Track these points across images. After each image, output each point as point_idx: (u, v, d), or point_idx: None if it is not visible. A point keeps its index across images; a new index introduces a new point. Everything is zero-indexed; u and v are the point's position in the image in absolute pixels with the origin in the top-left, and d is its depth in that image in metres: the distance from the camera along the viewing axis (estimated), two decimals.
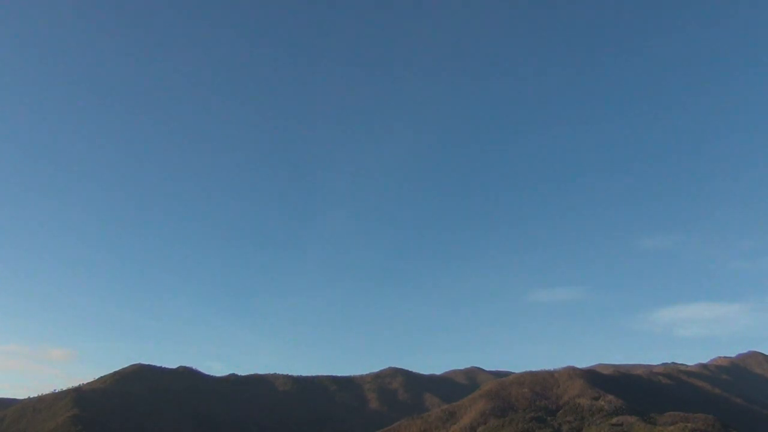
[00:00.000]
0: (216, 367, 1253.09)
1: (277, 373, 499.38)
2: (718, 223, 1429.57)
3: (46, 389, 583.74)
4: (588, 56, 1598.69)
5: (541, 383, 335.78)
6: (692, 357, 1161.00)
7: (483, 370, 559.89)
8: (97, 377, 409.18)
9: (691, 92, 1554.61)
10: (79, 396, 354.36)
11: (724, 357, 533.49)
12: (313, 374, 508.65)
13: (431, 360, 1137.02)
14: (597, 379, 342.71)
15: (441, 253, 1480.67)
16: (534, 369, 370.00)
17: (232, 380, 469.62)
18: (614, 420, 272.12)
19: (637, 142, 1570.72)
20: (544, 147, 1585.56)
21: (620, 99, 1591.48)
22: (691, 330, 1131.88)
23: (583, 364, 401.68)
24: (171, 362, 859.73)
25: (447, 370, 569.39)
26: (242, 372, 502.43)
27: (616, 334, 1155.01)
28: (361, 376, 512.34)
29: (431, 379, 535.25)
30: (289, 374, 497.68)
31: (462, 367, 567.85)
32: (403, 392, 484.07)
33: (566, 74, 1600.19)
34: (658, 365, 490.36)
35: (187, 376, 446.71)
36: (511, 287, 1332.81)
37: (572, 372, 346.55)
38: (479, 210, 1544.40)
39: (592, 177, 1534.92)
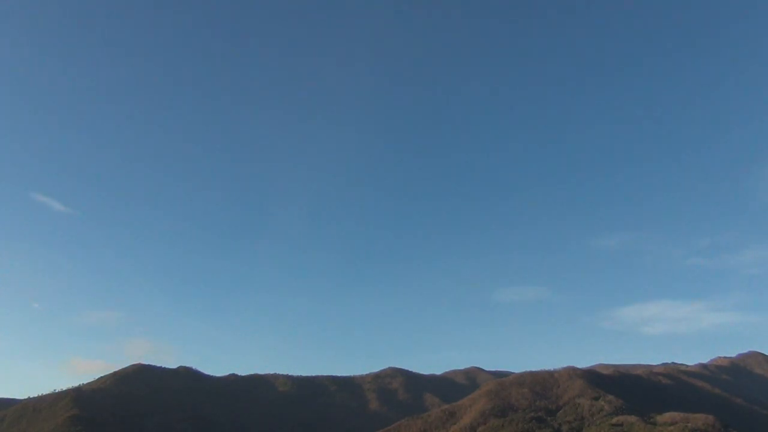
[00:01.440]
0: (216, 367, 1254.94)
1: (277, 373, 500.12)
2: (669, 222, 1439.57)
3: (46, 389, 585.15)
4: (538, 57, 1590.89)
5: (541, 383, 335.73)
6: (692, 357, 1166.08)
7: (483, 370, 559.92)
8: (97, 377, 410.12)
9: (642, 91, 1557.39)
10: (79, 396, 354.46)
11: (724, 357, 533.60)
12: (313, 374, 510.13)
13: (431, 360, 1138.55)
14: (597, 379, 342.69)
15: (404, 254, 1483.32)
16: (534, 369, 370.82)
17: (232, 380, 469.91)
18: (614, 420, 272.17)
19: (586, 145, 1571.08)
20: (503, 151, 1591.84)
21: (572, 101, 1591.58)
22: (657, 328, 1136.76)
23: (582, 364, 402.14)
24: (171, 362, 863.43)
25: (447, 370, 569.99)
26: (242, 372, 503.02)
27: (584, 333, 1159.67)
28: (361, 376, 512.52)
29: (431, 379, 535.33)
30: (289, 374, 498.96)
31: (462, 367, 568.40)
32: (403, 392, 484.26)
33: (525, 78, 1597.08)
34: (658, 365, 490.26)
35: (187, 376, 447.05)
36: (476, 287, 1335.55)
37: (572, 372, 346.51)
38: (440, 212, 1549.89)
39: (545, 178, 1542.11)
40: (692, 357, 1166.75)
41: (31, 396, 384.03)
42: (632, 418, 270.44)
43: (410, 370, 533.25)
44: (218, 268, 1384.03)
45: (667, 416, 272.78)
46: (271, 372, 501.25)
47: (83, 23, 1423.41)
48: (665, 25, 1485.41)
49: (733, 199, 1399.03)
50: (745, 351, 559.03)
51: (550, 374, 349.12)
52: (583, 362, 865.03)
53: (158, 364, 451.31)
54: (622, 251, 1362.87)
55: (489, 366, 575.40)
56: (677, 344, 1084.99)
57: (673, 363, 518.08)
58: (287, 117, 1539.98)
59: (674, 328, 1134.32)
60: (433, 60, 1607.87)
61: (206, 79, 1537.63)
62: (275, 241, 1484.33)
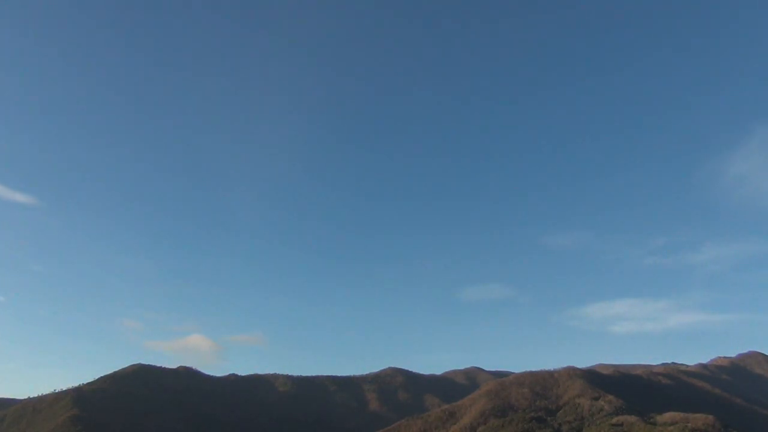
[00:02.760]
0: (216, 367, 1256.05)
1: (277, 373, 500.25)
2: (622, 222, 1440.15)
3: (46, 389, 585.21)
4: (493, 56, 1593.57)
5: (541, 383, 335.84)
6: (692, 357, 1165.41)
7: (483, 370, 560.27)
8: (97, 377, 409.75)
9: (595, 89, 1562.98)
10: (79, 396, 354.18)
11: (724, 357, 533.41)
12: (313, 374, 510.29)
13: (431, 360, 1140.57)
14: (597, 379, 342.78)
15: (368, 254, 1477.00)
16: (534, 369, 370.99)
17: (232, 380, 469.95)
18: (614, 420, 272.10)
19: (540, 142, 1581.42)
20: (460, 153, 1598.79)
21: (525, 98, 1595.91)
22: (625, 327, 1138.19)
23: (582, 364, 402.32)
24: (171, 362, 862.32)
25: (447, 370, 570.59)
26: (242, 372, 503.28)
27: (553, 332, 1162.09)
28: (361, 376, 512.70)
29: (431, 379, 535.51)
30: (289, 374, 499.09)
31: (462, 367, 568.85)
32: (403, 392, 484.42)
33: (483, 81, 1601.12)
34: (658, 365, 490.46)
35: (187, 376, 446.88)
36: (442, 286, 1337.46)
37: (572, 372, 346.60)
38: (400, 213, 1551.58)
39: (498, 176, 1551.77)
40: (692, 357, 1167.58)
41: (31, 396, 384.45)
42: (632, 418, 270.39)
43: (410, 370, 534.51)
44: (217, 268, 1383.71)
45: (667, 416, 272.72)
46: (271, 372, 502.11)
47: None
48: (616, 25, 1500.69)
49: (685, 198, 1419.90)
50: (745, 351, 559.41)
51: (550, 374, 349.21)
52: (563, 362, 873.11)
53: (158, 364, 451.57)
54: (578, 250, 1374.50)
55: (489, 366, 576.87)
56: (646, 343, 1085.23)
57: (673, 363, 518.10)
58: (262, 116, 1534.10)
59: (642, 327, 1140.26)
60: (400, 61, 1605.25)
61: (176, 78, 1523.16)
62: (276, 241, 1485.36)
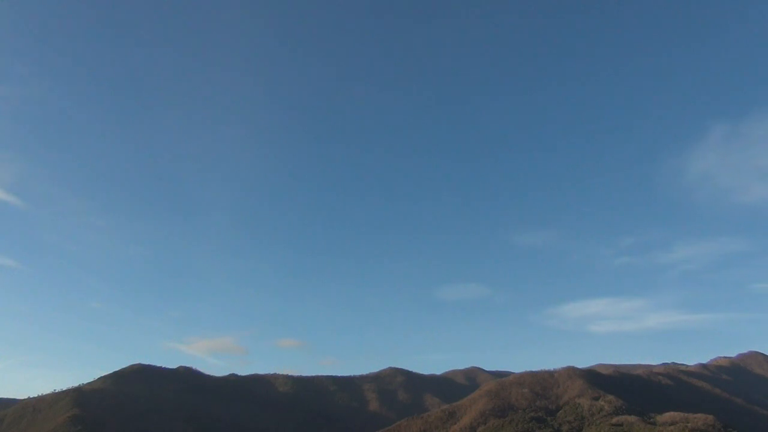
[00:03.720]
0: (216, 367, 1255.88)
1: (277, 373, 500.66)
2: (584, 221, 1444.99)
3: (46, 389, 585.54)
4: (462, 55, 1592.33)
5: (541, 383, 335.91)
6: (692, 357, 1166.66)
7: (483, 370, 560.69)
8: (97, 377, 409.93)
9: (557, 91, 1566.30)
10: (79, 396, 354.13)
11: (724, 357, 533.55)
12: (313, 374, 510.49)
13: (431, 360, 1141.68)
14: (597, 379, 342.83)
15: (343, 252, 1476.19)
16: (534, 369, 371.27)
17: (232, 380, 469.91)
18: (614, 420, 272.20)
19: (503, 143, 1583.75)
20: (428, 151, 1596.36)
21: (490, 101, 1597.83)
22: (604, 327, 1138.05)
23: (582, 364, 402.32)
24: (171, 362, 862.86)
25: (447, 370, 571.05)
26: (242, 372, 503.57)
27: (529, 331, 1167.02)
28: (361, 376, 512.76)
29: (431, 379, 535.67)
30: (289, 374, 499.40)
31: (462, 367, 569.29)
32: (403, 392, 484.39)
33: (447, 79, 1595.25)
34: (658, 365, 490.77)
35: (187, 376, 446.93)
36: (419, 284, 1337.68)
37: (572, 372, 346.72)
38: (372, 213, 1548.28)
39: (466, 176, 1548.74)
40: (692, 357, 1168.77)
41: (31, 396, 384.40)
42: (632, 418, 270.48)
43: (410, 370, 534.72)
44: (219, 268, 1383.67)
45: (667, 416, 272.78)
46: (271, 372, 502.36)
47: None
48: (575, 28, 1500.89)
49: (649, 197, 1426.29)
50: (745, 351, 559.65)
51: (550, 374, 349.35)
52: (547, 362, 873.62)
53: (158, 364, 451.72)
54: (547, 249, 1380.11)
55: (489, 366, 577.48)
56: (626, 343, 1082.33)
57: (673, 363, 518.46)
58: (239, 111, 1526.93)
59: (621, 326, 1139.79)
60: (378, 61, 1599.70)
61: (128, 79, 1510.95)
62: (274, 242, 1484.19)
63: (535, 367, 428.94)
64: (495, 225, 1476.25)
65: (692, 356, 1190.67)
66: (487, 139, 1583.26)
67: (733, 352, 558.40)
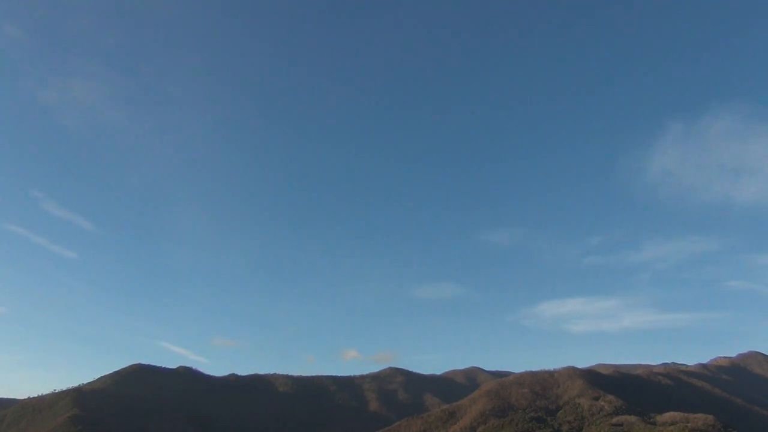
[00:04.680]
0: (216, 367, 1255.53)
1: (277, 373, 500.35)
2: (548, 219, 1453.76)
3: (46, 389, 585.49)
4: (426, 59, 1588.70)
5: (541, 383, 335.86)
6: (692, 357, 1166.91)
7: (483, 370, 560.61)
8: (97, 377, 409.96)
9: (519, 87, 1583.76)
10: (79, 396, 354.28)
11: (724, 357, 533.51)
12: (313, 374, 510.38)
13: (431, 360, 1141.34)
14: (597, 379, 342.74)
15: (319, 251, 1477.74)
16: (534, 369, 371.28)
17: (232, 380, 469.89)
18: (614, 420, 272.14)
19: (463, 141, 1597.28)
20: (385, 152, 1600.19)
21: (450, 101, 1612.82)
22: (581, 326, 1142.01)
23: (581, 364, 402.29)
24: (171, 362, 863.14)
25: (447, 370, 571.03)
26: (242, 372, 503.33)
27: (507, 330, 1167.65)
28: (361, 376, 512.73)
29: (431, 379, 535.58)
30: (289, 374, 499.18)
31: (462, 367, 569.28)
32: (403, 392, 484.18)
33: (413, 78, 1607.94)
34: (658, 365, 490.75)
35: (187, 376, 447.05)
36: (394, 283, 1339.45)
37: (572, 372, 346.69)
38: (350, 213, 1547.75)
39: (432, 175, 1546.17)
40: (692, 357, 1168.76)
41: (31, 396, 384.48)
42: (632, 418, 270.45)
43: (410, 370, 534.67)
44: (220, 269, 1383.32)
45: (667, 416, 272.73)
46: (271, 372, 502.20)
47: None
48: (531, 24, 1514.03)
49: (612, 195, 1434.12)
50: (745, 351, 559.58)
51: (550, 374, 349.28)
52: (531, 363, 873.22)
53: (158, 364, 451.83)
54: (517, 247, 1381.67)
55: (489, 366, 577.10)
56: (604, 343, 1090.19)
57: (673, 363, 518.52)
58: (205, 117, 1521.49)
59: (599, 326, 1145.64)
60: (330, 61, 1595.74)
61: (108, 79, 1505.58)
62: (275, 241, 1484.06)
63: (535, 367, 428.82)
64: (464, 224, 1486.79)
65: (692, 356, 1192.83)
66: (457, 142, 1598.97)
67: (733, 352, 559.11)
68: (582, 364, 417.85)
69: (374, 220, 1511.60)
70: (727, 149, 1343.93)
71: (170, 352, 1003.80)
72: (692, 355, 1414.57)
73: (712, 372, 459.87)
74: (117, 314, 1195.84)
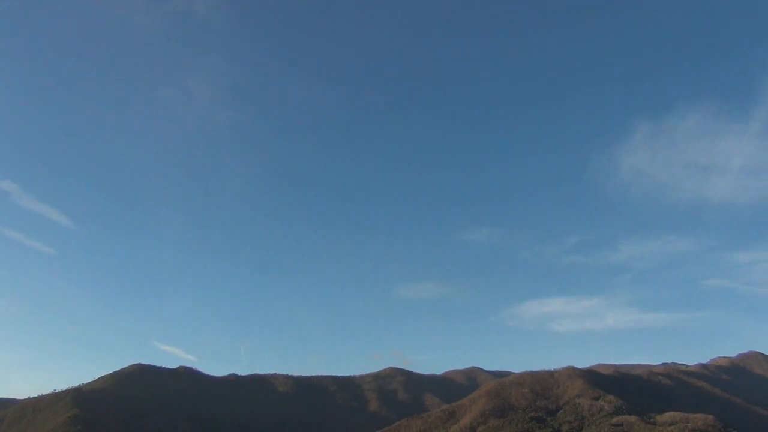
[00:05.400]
0: (216, 367, 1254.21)
1: (277, 373, 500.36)
2: (525, 219, 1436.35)
3: (46, 389, 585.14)
4: (404, 57, 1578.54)
5: (541, 383, 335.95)
6: (692, 357, 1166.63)
7: (483, 370, 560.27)
8: (97, 377, 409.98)
9: (496, 93, 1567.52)
10: (79, 396, 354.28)
11: (724, 357, 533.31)
12: (313, 374, 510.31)
13: (431, 360, 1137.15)
14: (597, 379, 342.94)
15: (301, 250, 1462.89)
16: (534, 369, 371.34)
17: (232, 380, 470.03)
18: (614, 420, 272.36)
19: (433, 140, 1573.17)
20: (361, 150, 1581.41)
21: (425, 98, 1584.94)
22: (565, 326, 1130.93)
23: (581, 364, 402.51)
24: (171, 362, 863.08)
25: (447, 370, 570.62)
26: (242, 372, 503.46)
27: (490, 330, 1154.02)
28: (361, 376, 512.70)
29: (431, 379, 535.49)
30: (289, 374, 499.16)
31: (462, 367, 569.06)
32: (403, 392, 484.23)
33: (390, 76, 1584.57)
34: (658, 365, 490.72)
35: (187, 376, 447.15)
36: (377, 283, 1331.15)
37: (572, 372, 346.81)
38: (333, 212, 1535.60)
39: (409, 174, 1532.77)
40: (692, 357, 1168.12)
41: (31, 396, 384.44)
42: (632, 418, 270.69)
43: (410, 370, 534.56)
44: (220, 269, 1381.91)
45: (667, 416, 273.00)
46: (271, 372, 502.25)
47: None
48: (502, 24, 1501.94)
49: (586, 195, 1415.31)
50: (745, 351, 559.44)
51: (550, 374, 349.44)
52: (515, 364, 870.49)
53: (158, 364, 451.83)
54: (495, 247, 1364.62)
55: (489, 366, 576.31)
56: (590, 343, 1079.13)
57: (673, 363, 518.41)
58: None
59: (583, 325, 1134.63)
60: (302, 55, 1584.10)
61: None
62: (274, 241, 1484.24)
63: (534, 367, 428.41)
64: (443, 223, 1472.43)
65: (692, 356, 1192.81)
66: (434, 143, 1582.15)
67: (733, 352, 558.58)
68: (570, 363, 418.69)
69: (356, 219, 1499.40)
70: (697, 147, 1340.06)
71: (167, 353, 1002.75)
72: (692, 355, 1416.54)
73: (712, 372, 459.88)
74: (107, 313, 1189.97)
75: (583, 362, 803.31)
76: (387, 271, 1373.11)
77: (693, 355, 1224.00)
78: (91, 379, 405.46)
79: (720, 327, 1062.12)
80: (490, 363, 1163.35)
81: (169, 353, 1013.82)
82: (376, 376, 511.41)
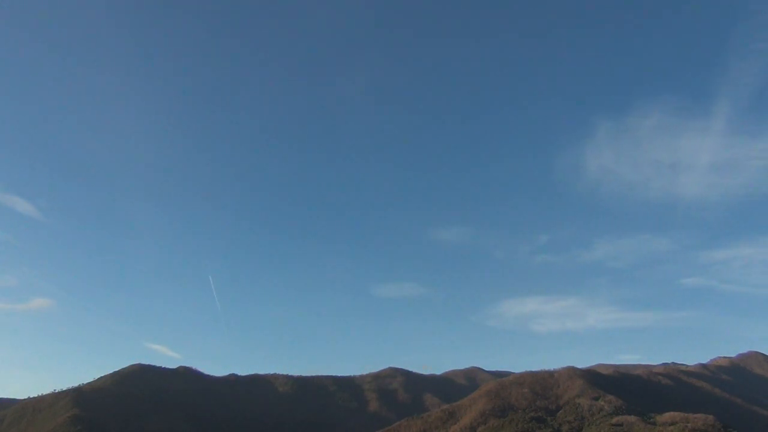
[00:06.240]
0: (216, 367, 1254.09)
1: (277, 373, 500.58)
2: (497, 219, 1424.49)
3: (46, 389, 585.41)
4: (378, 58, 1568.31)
5: (541, 383, 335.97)
6: (692, 357, 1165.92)
7: (483, 370, 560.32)
8: (97, 377, 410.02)
9: (465, 91, 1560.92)
10: (79, 396, 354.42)
11: (724, 357, 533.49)
12: (313, 374, 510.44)
13: (431, 360, 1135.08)
14: (597, 379, 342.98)
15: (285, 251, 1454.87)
16: (534, 369, 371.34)
17: (232, 380, 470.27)
18: (614, 420, 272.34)
19: (402, 138, 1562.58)
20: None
21: (407, 101, 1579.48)
22: (546, 326, 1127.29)
23: (581, 364, 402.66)
24: (171, 362, 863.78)
25: (447, 370, 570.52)
26: (242, 372, 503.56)
27: (476, 331, 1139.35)
28: (361, 376, 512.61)
29: (431, 379, 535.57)
30: (289, 374, 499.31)
31: (462, 367, 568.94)
32: (403, 392, 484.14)
33: (373, 78, 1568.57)
34: (658, 365, 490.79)
35: (187, 376, 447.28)
36: (354, 282, 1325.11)
37: (572, 372, 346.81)
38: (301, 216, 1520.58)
39: (381, 174, 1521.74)
40: (692, 357, 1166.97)
41: (31, 396, 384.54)
42: (632, 418, 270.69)
43: (410, 370, 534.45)
44: (219, 269, 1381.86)
45: (667, 416, 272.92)
46: (271, 372, 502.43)
47: None
48: (469, 31, 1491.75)
49: (554, 193, 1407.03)
50: (745, 351, 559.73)
51: (550, 374, 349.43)
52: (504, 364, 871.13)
53: (158, 364, 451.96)
54: (466, 245, 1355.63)
55: (489, 366, 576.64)
56: (573, 342, 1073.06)
57: (673, 363, 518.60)
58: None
59: (564, 325, 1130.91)
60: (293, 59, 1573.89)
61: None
62: (274, 240, 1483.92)
63: (533, 367, 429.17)
64: (414, 222, 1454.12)
65: (692, 356, 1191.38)
66: (403, 143, 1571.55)
67: (733, 352, 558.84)
68: (558, 362, 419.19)
69: (336, 220, 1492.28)
70: (660, 146, 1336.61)
71: (167, 353, 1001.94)
72: (692, 355, 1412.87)
73: (712, 372, 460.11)
74: (105, 315, 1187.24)
75: (568, 361, 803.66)
76: (364, 270, 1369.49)
77: (690, 354, 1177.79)
78: (91, 379, 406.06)
79: (707, 327, 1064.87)
80: (504, 363, 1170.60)
81: (170, 354, 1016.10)
82: (376, 376, 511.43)
